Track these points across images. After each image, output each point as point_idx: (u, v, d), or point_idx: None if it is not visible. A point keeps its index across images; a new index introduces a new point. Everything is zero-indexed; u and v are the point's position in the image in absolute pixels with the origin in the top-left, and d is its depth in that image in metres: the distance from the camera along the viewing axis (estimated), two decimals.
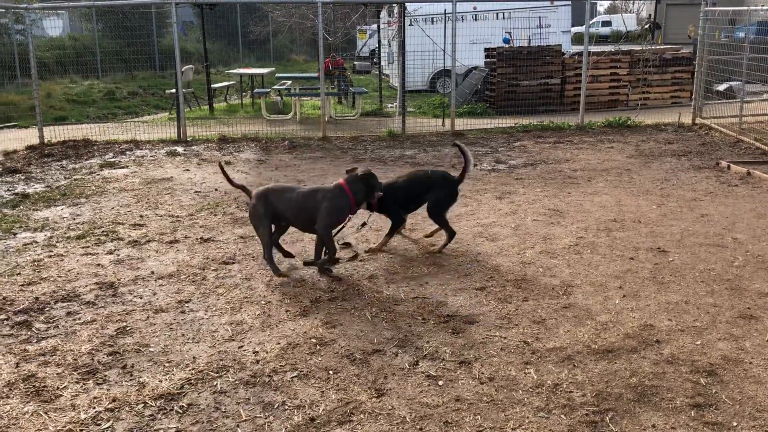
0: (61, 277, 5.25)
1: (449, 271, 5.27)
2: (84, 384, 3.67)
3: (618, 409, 3.37)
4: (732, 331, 4.20)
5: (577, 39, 26.85)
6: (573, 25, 21.39)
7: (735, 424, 3.24)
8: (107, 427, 3.27)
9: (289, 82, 16.25)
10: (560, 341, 4.10)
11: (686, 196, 7.45)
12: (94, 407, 3.44)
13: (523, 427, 3.25)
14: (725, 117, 11.75)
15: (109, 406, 3.45)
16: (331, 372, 3.77)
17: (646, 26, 16.15)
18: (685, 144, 10.55)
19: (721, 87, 13.11)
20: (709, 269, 5.24)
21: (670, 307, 4.57)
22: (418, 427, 3.26)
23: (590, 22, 12.95)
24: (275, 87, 15.80)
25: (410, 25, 14.74)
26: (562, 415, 3.33)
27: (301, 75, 18.27)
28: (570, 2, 19.24)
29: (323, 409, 3.41)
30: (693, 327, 4.27)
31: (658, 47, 16.91)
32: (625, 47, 16.89)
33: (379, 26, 18.96)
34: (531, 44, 16.66)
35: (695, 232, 6.14)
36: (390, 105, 16.12)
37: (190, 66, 17.12)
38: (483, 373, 3.74)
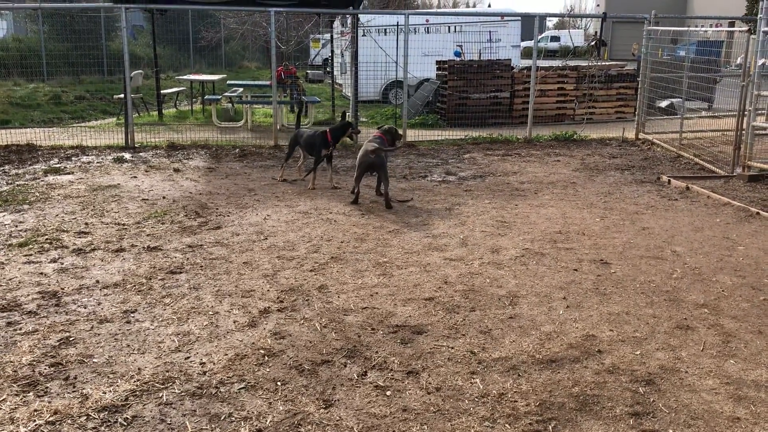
0: (1, 285, 5.10)
1: (398, 282, 5.32)
2: (24, 396, 3.59)
3: (561, 418, 3.46)
4: (669, 342, 4.35)
5: (527, 53, 27.42)
6: (522, 40, 21.80)
7: (671, 431, 3.36)
8: None
9: (241, 89, 16.13)
10: (506, 351, 4.18)
11: (628, 209, 7.68)
12: (35, 420, 3.36)
13: None
14: (666, 133, 12.15)
15: (50, 418, 3.38)
16: (278, 383, 3.77)
17: (593, 43, 16.57)
18: (628, 158, 10.86)
19: (663, 103, 13.55)
20: (649, 281, 5.41)
21: (611, 317, 4.71)
22: None
23: (539, 38, 13.22)
24: (226, 94, 15.67)
25: (363, 35, 14.81)
26: (507, 425, 3.40)
27: (253, 82, 18.14)
28: (520, 18, 19.62)
29: (270, 421, 3.40)
30: (633, 337, 4.40)
31: (604, 63, 17.35)
32: (572, 62, 17.29)
33: (332, 36, 19.01)
34: (481, 58, 16.93)
35: (636, 245, 6.33)
36: None
37: (140, 71, 16.82)
38: (430, 383, 3.79)
